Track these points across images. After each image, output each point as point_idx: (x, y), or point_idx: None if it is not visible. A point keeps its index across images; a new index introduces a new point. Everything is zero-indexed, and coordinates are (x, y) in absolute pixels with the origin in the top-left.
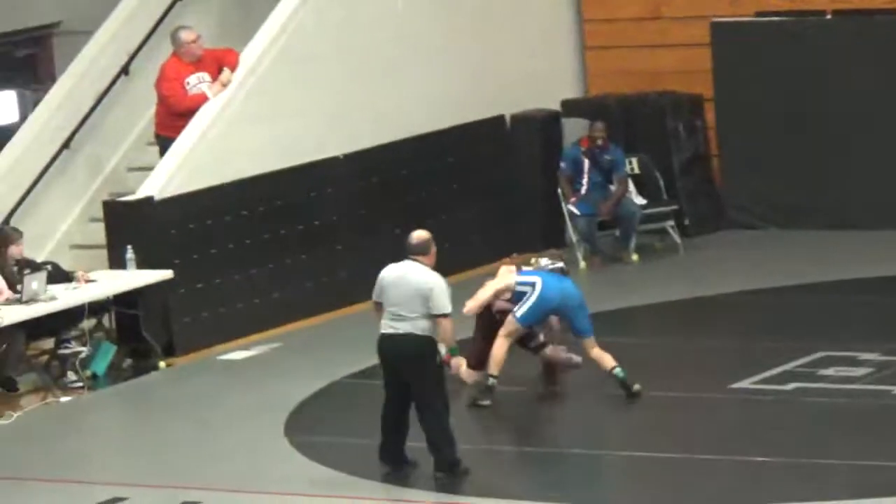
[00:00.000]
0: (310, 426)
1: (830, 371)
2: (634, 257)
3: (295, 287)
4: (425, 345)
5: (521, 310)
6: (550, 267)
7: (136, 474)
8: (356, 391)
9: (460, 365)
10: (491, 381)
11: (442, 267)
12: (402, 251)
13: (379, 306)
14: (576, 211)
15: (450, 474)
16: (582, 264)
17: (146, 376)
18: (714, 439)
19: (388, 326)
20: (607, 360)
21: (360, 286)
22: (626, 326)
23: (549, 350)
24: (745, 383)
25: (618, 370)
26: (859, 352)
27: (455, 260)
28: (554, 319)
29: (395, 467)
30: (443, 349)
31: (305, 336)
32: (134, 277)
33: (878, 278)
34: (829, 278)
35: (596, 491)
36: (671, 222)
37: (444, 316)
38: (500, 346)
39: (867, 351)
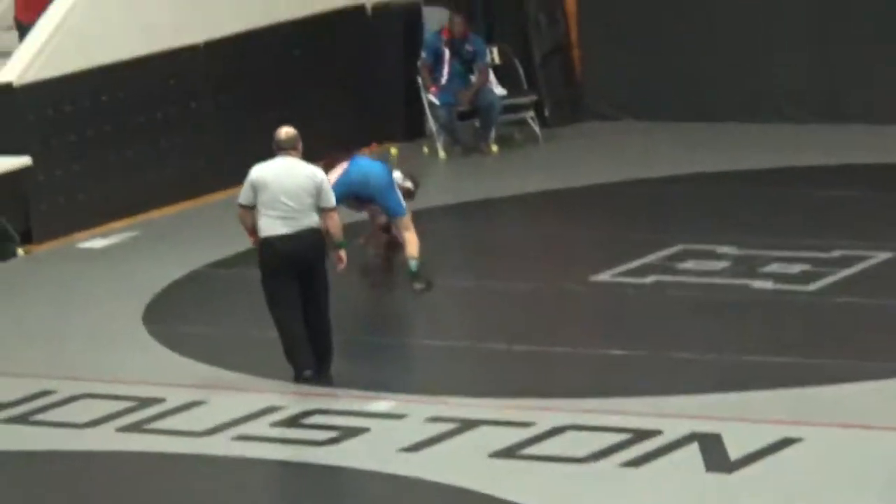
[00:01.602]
0: (168, 315)
1: (689, 264)
2: (494, 148)
3: (154, 175)
4: (323, 238)
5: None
6: (399, 183)
7: None
8: (215, 280)
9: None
10: None
11: (301, 156)
12: (260, 139)
13: (248, 210)
14: (436, 101)
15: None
16: (442, 154)
17: (3, 264)
18: (573, 332)
19: (278, 227)
20: (411, 248)
21: (218, 175)
22: (485, 217)
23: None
24: (605, 276)
25: (413, 263)
26: (718, 245)
27: (315, 150)
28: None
29: (312, 372)
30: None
31: (164, 224)
32: None
33: (737, 171)
34: (689, 171)
35: (447, 381)
36: (531, 113)
37: (334, 209)
38: None
39: (726, 244)
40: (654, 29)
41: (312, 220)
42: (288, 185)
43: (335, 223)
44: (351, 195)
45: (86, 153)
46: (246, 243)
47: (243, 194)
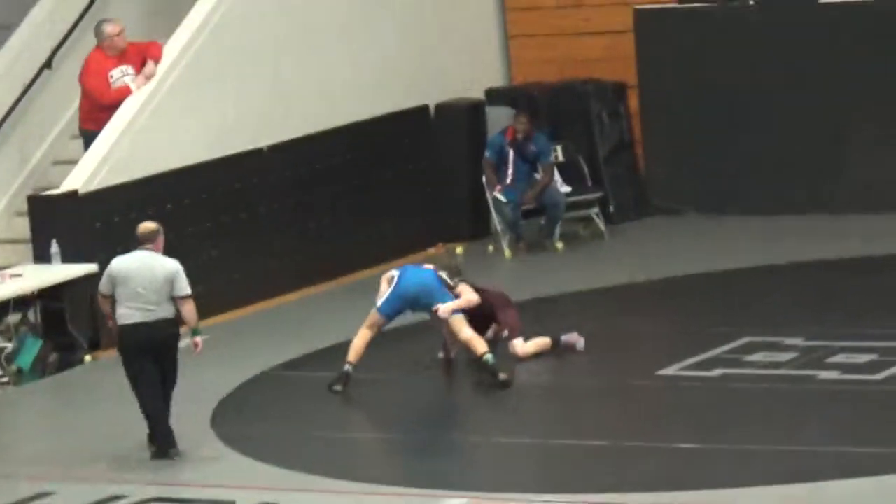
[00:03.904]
0: (236, 417)
1: (756, 357)
2: (559, 245)
3: (221, 279)
4: (176, 327)
5: (381, 300)
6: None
7: (62, 469)
8: (283, 382)
9: (199, 345)
10: (347, 367)
11: (367, 256)
12: (327, 240)
13: (106, 298)
14: (502, 199)
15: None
16: (507, 253)
17: (72, 370)
18: (641, 426)
19: (136, 316)
20: (479, 344)
21: (286, 277)
22: (551, 314)
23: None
24: (672, 370)
25: (489, 357)
26: (784, 337)
27: (381, 249)
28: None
29: (171, 446)
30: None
31: (232, 327)
32: (59, 271)
33: (802, 262)
34: (753, 264)
35: (519, 478)
36: (596, 209)
37: (189, 297)
38: (360, 337)
39: (792, 336)
40: (716, 124)
41: (168, 310)
42: (146, 279)
43: (191, 311)
44: (406, 307)
45: None
46: (313, 346)
47: (103, 284)
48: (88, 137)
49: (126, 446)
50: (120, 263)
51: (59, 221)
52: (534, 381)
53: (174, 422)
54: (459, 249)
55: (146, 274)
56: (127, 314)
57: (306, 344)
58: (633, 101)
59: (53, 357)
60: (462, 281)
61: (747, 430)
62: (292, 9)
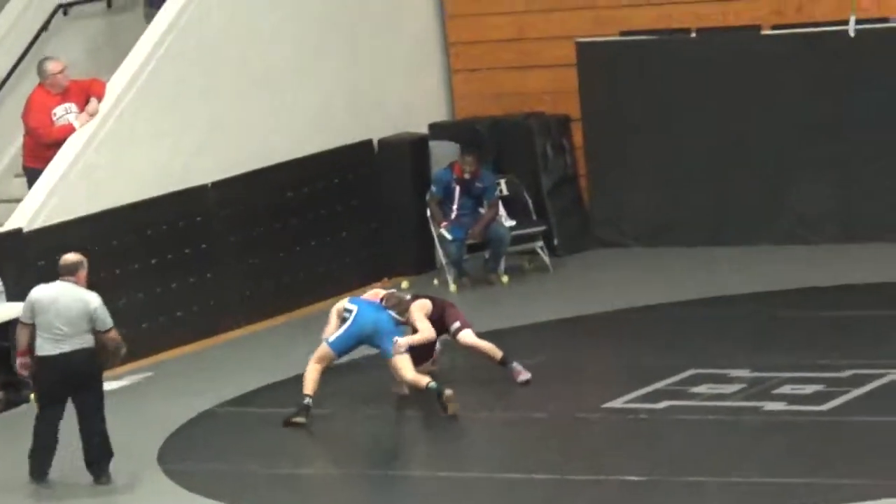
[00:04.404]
0: (183, 454)
1: (702, 388)
2: (504, 279)
3: (166, 316)
4: (94, 357)
5: (334, 336)
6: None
7: None
8: (228, 419)
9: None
10: (307, 400)
11: (313, 292)
12: (272, 277)
13: (26, 327)
14: (448, 235)
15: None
16: (452, 287)
17: (17, 409)
18: (587, 459)
19: (51, 348)
20: (421, 379)
21: (232, 313)
22: (496, 347)
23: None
24: (618, 402)
25: (433, 384)
26: (730, 368)
27: (326, 285)
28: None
29: (44, 479)
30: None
31: (177, 365)
32: (4, 310)
33: (746, 294)
34: (697, 295)
35: None
36: (540, 243)
37: (110, 329)
38: (313, 370)
39: (738, 367)
40: (659, 156)
41: (85, 340)
42: (62, 311)
43: (115, 339)
44: (358, 343)
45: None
46: (260, 382)
47: (23, 313)
48: (32, 175)
49: (70, 483)
50: (39, 292)
51: (4, 260)
52: (481, 414)
53: (119, 457)
54: (405, 284)
55: (63, 304)
56: (41, 345)
57: (254, 380)
58: (577, 135)
59: None
60: (413, 299)
61: (694, 462)
62: (235, 45)
